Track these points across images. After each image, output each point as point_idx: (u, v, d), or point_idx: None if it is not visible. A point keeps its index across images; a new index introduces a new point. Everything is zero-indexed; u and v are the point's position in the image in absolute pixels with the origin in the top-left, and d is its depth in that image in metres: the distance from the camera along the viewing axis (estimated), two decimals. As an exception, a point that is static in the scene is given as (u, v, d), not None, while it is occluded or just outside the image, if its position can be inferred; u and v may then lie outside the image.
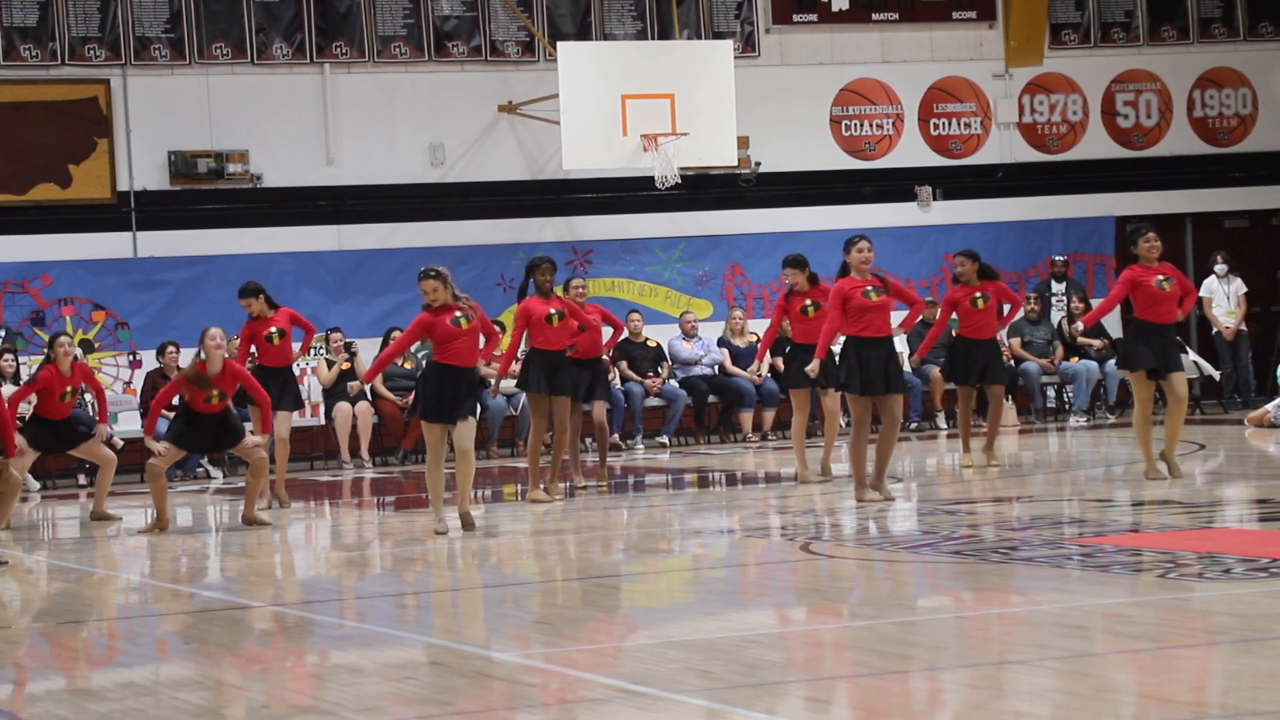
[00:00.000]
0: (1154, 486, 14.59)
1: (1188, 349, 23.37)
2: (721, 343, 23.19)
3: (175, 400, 15.93)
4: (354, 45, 22.89)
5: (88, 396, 19.16)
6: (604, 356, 17.43)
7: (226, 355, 15.05)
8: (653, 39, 23.39)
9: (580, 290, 16.99)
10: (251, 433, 15.51)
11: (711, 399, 22.96)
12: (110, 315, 22.12)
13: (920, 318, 16.64)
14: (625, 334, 19.24)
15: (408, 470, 21.14)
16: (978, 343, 16.77)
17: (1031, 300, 23.60)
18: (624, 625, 9.63)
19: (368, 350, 22.31)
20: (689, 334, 23.10)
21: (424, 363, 22.29)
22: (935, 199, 24.82)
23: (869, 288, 14.28)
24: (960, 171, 24.97)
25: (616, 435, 21.80)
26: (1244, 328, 23.93)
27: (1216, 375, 23.40)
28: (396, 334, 22.11)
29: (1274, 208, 25.96)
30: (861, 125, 24.70)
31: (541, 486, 15.90)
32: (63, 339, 16.44)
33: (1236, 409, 22.92)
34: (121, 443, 21.03)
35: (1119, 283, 15.08)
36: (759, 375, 22.81)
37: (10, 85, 21.88)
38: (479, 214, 23.27)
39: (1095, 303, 24.29)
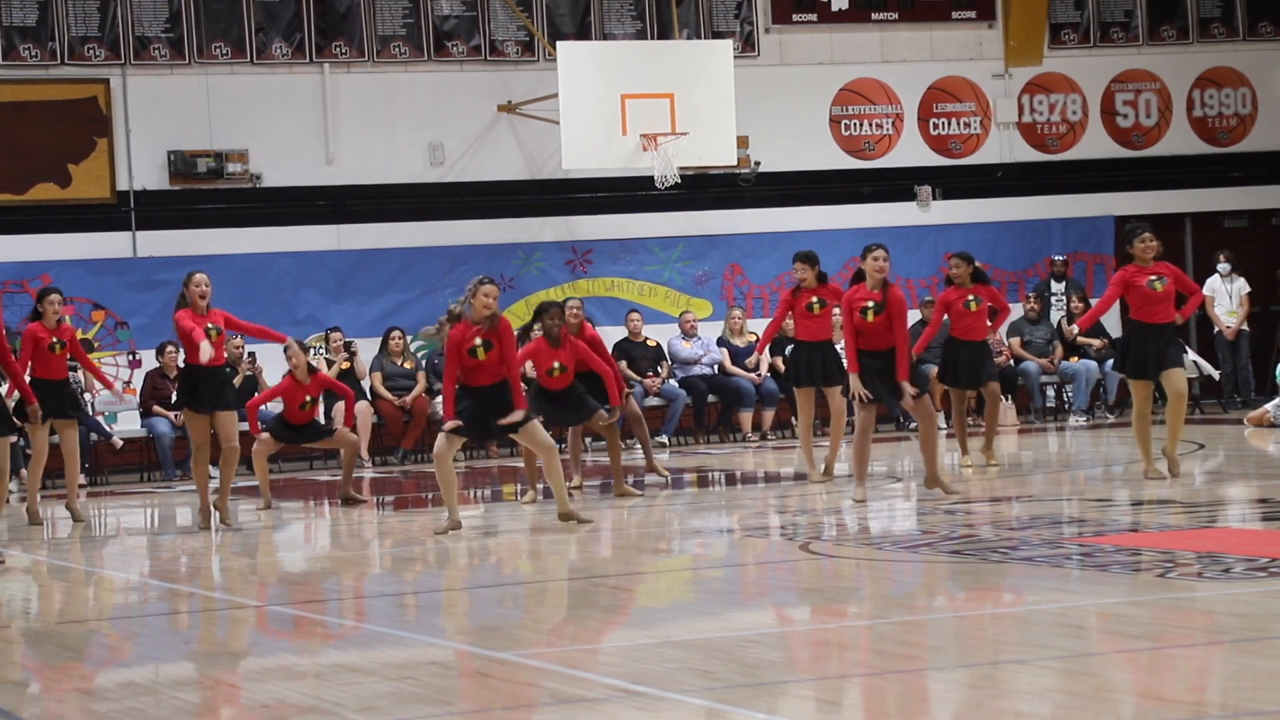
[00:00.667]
0: (1154, 486, 14.59)
1: (1187, 349, 23.37)
2: (721, 342, 23.20)
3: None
4: (353, 45, 22.89)
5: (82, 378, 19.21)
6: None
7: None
8: (652, 39, 23.39)
9: (575, 312, 16.26)
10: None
11: (711, 399, 22.97)
12: (110, 315, 22.12)
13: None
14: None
15: (407, 470, 21.14)
16: (968, 344, 16.77)
17: (1031, 300, 23.61)
18: (624, 625, 9.63)
19: (367, 350, 22.35)
20: (688, 334, 23.11)
21: (423, 363, 22.37)
22: (935, 199, 24.82)
23: (870, 304, 14.15)
24: (960, 171, 24.97)
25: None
26: (1245, 328, 23.93)
27: (1216, 375, 23.41)
28: (396, 334, 22.14)
29: (1273, 207, 25.96)
30: (861, 125, 24.70)
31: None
32: (54, 296, 16.09)
33: (1236, 409, 22.91)
34: (121, 443, 21.09)
35: (1111, 284, 15.12)
36: (759, 375, 22.81)
37: (10, 85, 21.88)
38: (478, 214, 23.27)
39: (1094, 303, 24.36)
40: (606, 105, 21.50)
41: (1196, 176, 25.58)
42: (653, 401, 22.53)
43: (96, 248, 22.16)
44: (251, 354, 21.54)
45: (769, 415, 22.95)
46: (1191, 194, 25.55)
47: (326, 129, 22.85)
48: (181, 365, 15.69)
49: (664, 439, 22.46)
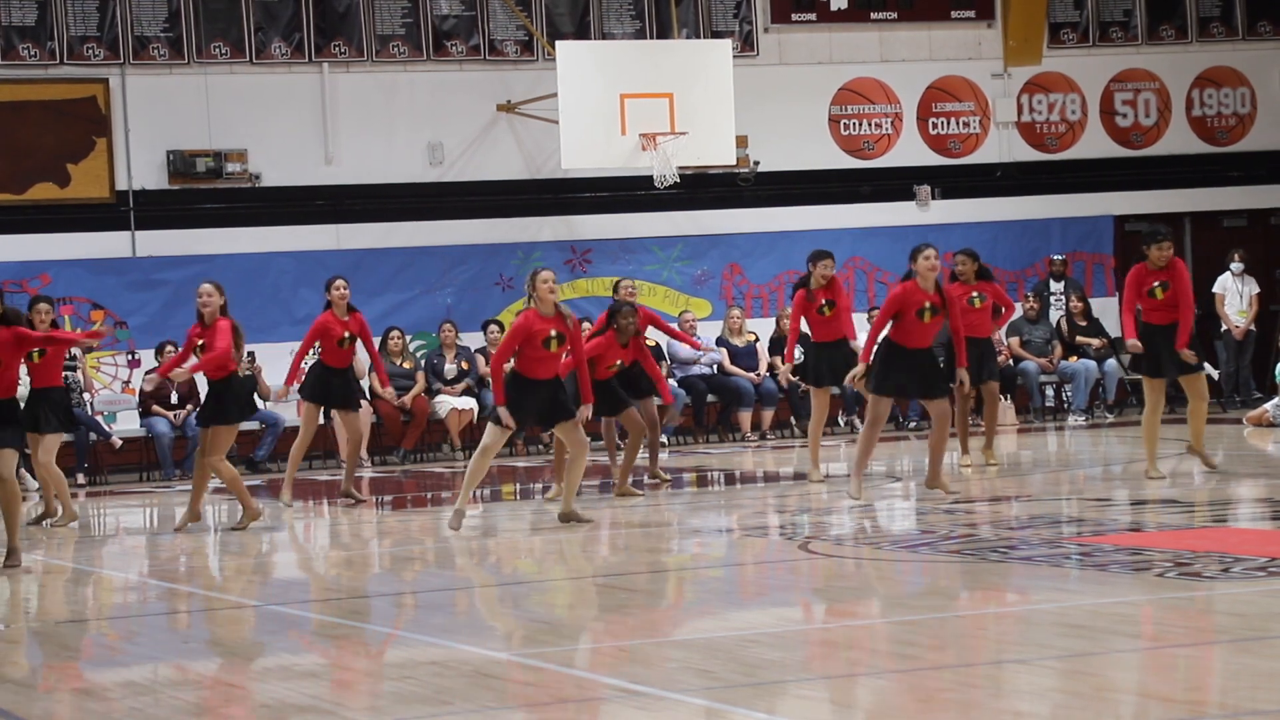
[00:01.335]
0: (1154, 486, 14.60)
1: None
2: (720, 342, 23.19)
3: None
4: (352, 45, 22.88)
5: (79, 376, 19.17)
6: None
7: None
8: (651, 38, 23.39)
9: (630, 290, 17.60)
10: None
11: (710, 398, 22.96)
12: (109, 315, 22.10)
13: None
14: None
15: (407, 470, 21.13)
16: (973, 341, 16.76)
17: (1030, 299, 23.60)
18: (624, 625, 9.63)
19: (366, 350, 22.31)
20: (687, 333, 23.07)
21: (422, 363, 22.36)
22: (934, 198, 24.82)
23: (926, 306, 14.19)
24: (959, 171, 24.97)
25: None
26: (1253, 328, 23.89)
27: (1215, 375, 23.39)
28: (395, 333, 22.12)
29: (1273, 207, 25.95)
30: (860, 124, 24.70)
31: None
32: (41, 305, 15.93)
33: (1236, 408, 22.91)
34: (120, 442, 21.08)
35: (1125, 287, 15.15)
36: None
37: (9, 85, 21.88)
38: (477, 213, 23.27)
39: (1093, 303, 24.36)
40: (605, 105, 21.50)
41: (1196, 176, 25.58)
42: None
43: (95, 247, 22.15)
44: (251, 353, 21.52)
45: (768, 415, 22.95)
46: (1191, 194, 25.54)
47: (325, 129, 22.84)
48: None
49: (663, 439, 22.43)
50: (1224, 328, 23.90)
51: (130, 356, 22.19)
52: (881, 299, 15.94)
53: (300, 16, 22.68)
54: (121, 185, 22.21)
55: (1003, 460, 17.81)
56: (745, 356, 22.99)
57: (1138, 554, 10.86)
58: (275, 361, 20.51)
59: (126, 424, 21.53)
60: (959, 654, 8.26)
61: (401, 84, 23.11)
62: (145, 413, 21.22)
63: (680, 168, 21.74)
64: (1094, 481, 16.12)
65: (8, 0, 21.85)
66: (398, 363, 22.00)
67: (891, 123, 24.78)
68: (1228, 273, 23.82)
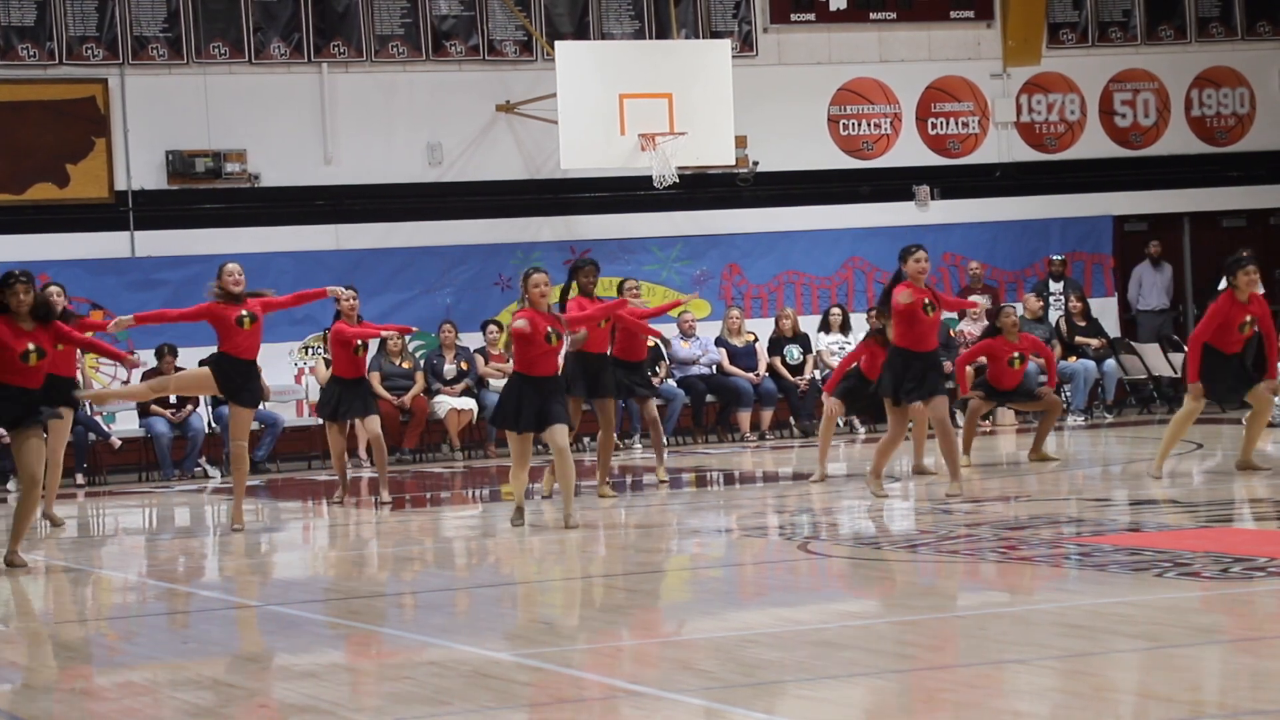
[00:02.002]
0: (1154, 486, 14.63)
1: (1185, 347, 23.35)
2: (719, 342, 23.19)
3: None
4: (352, 45, 22.89)
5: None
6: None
7: None
8: (651, 38, 23.39)
9: (634, 291, 17.69)
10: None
11: (709, 399, 22.96)
12: (108, 315, 22.07)
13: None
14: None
15: (406, 469, 21.12)
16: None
17: (1030, 300, 23.59)
18: (623, 625, 9.63)
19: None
20: (686, 333, 23.09)
21: (421, 363, 22.36)
22: (933, 198, 24.82)
23: (927, 301, 14.35)
24: (958, 171, 24.97)
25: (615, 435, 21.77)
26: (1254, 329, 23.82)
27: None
28: (394, 333, 22.10)
29: (1272, 207, 25.96)
30: (859, 125, 24.70)
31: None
32: (52, 289, 15.83)
33: (1235, 409, 22.88)
34: (119, 442, 21.08)
35: (1208, 320, 15.04)
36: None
37: (8, 85, 21.88)
38: (477, 213, 23.27)
39: (1093, 303, 24.36)
40: (605, 105, 21.50)
41: (1195, 176, 25.58)
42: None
43: (95, 247, 22.14)
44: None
45: (767, 415, 22.95)
46: (1190, 194, 25.55)
47: (325, 129, 22.85)
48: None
49: (662, 439, 22.42)
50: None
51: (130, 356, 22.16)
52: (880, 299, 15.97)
53: (299, 17, 22.68)
54: (121, 185, 22.21)
55: (1002, 460, 17.80)
56: (744, 356, 22.99)
57: (1137, 554, 10.86)
58: (275, 362, 20.54)
59: (126, 424, 21.53)
60: (959, 654, 8.26)
61: (401, 84, 23.11)
62: (144, 413, 21.22)
63: (679, 168, 21.75)
64: (1093, 481, 16.12)
65: (7, 0, 21.85)
66: (397, 363, 22.00)
67: (891, 123, 24.78)
68: (1229, 273, 23.80)
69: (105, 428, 21.17)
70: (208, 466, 21.18)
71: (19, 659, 9.41)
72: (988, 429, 22.45)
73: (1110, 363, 23.49)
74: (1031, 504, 14.05)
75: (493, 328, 22.41)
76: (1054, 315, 23.87)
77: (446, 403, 21.95)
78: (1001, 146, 25.11)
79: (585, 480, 17.11)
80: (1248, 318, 15.00)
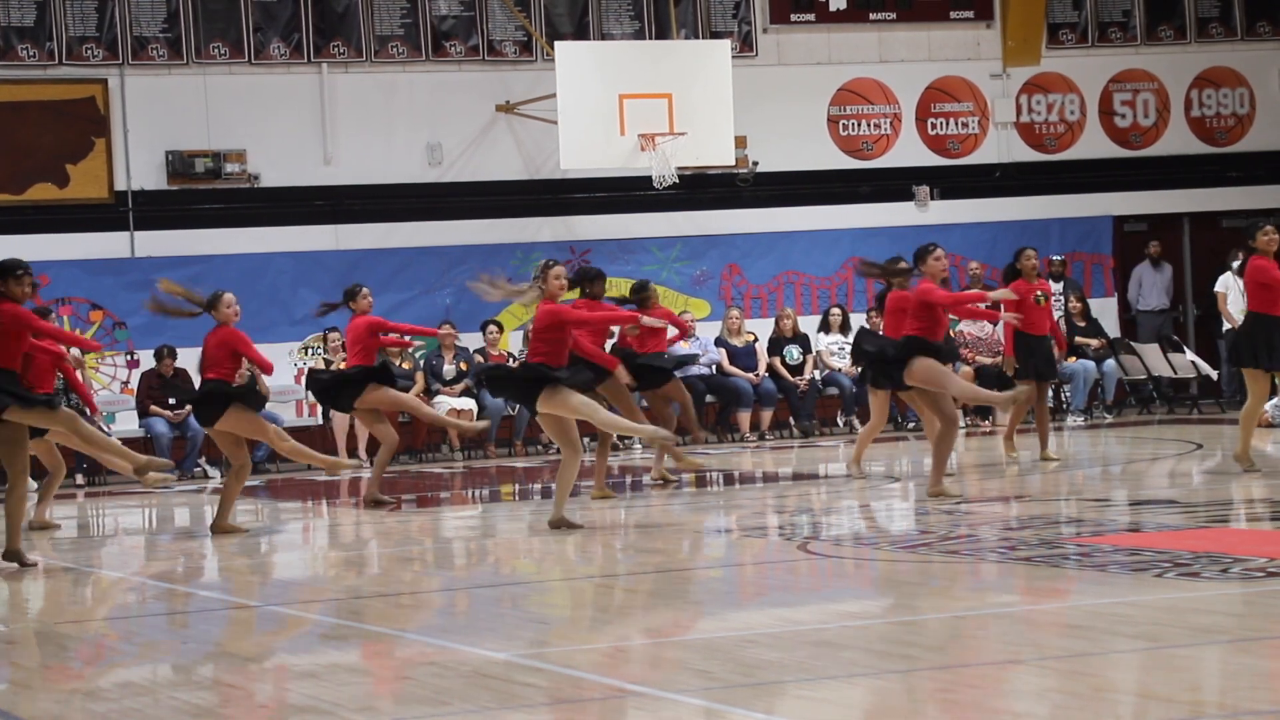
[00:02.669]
0: (1249, 476, 14.63)
1: (1185, 348, 23.37)
2: (719, 342, 23.19)
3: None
4: (351, 45, 22.89)
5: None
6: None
7: None
8: (650, 39, 23.39)
9: (653, 301, 17.46)
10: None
11: (709, 399, 22.96)
12: (108, 315, 22.11)
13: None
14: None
15: (406, 469, 21.12)
16: (1040, 339, 17.22)
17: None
18: (623, 625, 9.63)
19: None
20: (686, 334, 23.06)
21: (421, 363, 22.36)
22: (933, 199, 24.83)
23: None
24: (958, 171, 24.97)
25: (615, 435, 21.77)
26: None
27: (1215, 375, 23.39)
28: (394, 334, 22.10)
29: (1272, 207, 25.92)
30: (859, 125, 24.70)
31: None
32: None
33: (1235, 409, 22.89)
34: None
35: (1252, 275, 15.00)
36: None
37: (8, 85, 21.88)
38: (476, 214, 23.27)
39: (1092, 303, 24.36)
40: (605, 105, 21.50)
41: (1195, 176, 25.58)
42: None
43: (94, 248, 22.15)
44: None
45: (767, 415, 22.95)
46: (1190, 194, 25.55)
47: (324, 129, 22.85)
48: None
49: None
50: (1226, 326, 23.88)
51: (129, 357, 22.19)
52: (882, 300, 15.94)
53: (299, 17, 22.68)
54: (120, 186, 22.21)
55: (1001, 460, 17.80)
56: (744, 357, 22.99)
57: (1136, 554, 10.86)
58: (274, 362, 20.46)
59: (125, 424, 21.53)
60: (958, 654, 8.26)
61: (400, 84, 23.11)
62: (143, 413, 21.22)
63: (679, 168, 21.75)
64: (1093, 481, 16.12)
65: (6, 0, 21.85)
66: (397, 363, 21.98)
67: (890, 123, 24.78)
68: (1229, 272, 23.79)
69: (105, 428, 21.16)
70: (207, 467, 21.18)
71: (19, 659, 9.41)
72: (987, 429, 22.46)
73: (1110, 363, 23.48)
74: (1031, 504, 14.05)
75: (492, 328, 22.40)
76: (1054, 315, 23.85)
77: (446, 403, 21.94)
78: (1001, 147, 25.11)
79: (584, 480, 17.12)
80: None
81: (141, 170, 22.29)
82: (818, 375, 23.15)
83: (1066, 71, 25.31)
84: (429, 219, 23.12)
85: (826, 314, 23.68)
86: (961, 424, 22.49)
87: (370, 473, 16.72)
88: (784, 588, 10.87)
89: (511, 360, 22.41)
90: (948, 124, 24.95)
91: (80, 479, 20.35)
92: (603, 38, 23.36)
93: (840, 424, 23.16)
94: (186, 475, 20.95)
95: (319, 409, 22.06)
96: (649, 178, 21.83)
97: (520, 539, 13.87)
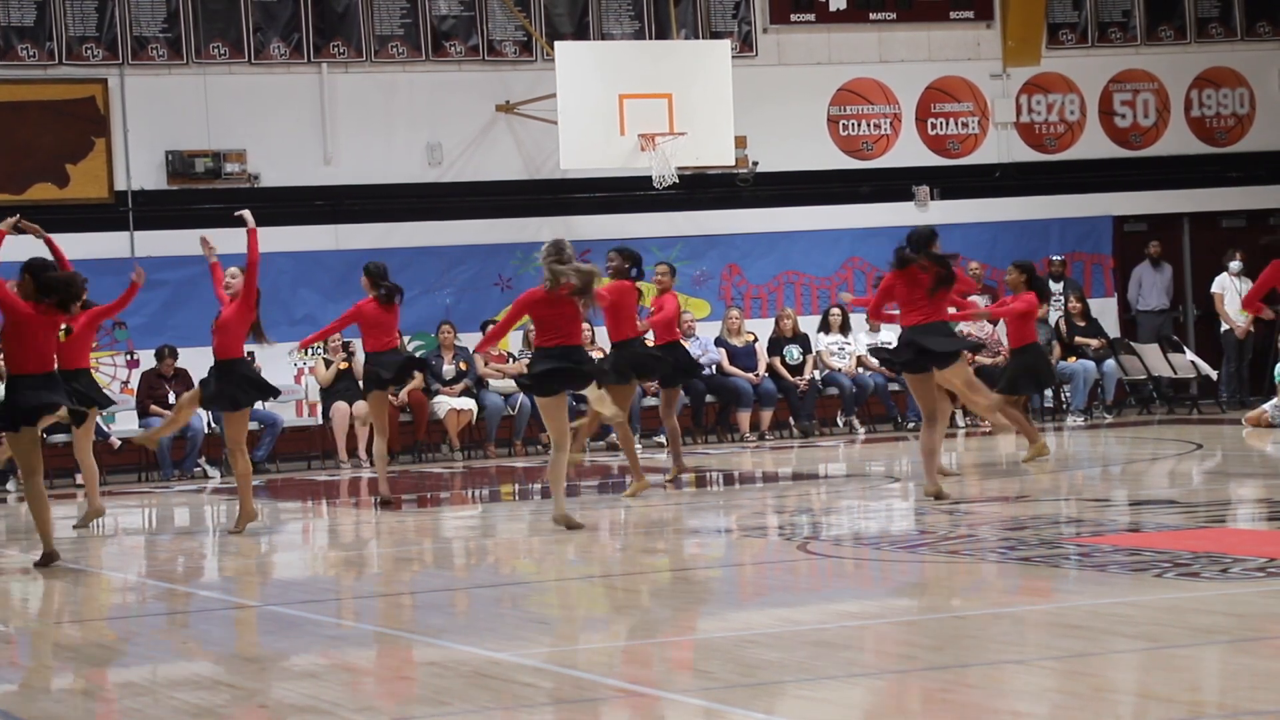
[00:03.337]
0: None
1: (1185, 348, 23.38)
2: (719, 342, 23.19)
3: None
4: (351, 45, 22.88)
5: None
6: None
7: None
8: (650, 39, 23.39)
9: (663, 280, 17.55)
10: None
11: (709, 399, 22.96)
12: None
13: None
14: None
15: (405, 469, 21.12)
16: (1032, 347, 17.33)
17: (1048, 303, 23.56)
18: (622, 625, 9.63)
19: (365, 350, 22.30)
20: (686, 334, 23.08)
21: (431, 361, 22.33)
22: (933, 199, 24.82)
23: None
24: (958, 171, 24.97)
25: (614, 435, 21.78)
26: (1253, 329, 23.88)
27: (1214, 375, 23.39)
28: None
29: (1272, 207, 25.96)
30: (859, 125, 24.70)
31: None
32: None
33: (1235, 409, 22.91)
34: (119, 442, 21.07)
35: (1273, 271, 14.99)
36: (758, 376, 22.76)
37: (7, 85, 21.88)
38: (476, 214, 23.27)
39: (1092, 303, 24.37)
40: (604, 105, 21.50)
41: (1194, 176, 25.58)
42: (650, 401, 22.51)
43: (94, 248, 22.09)
44: (250, 354, 21.50)
45: (766, 415, 22.95)
46: (1190, 194, 25.55)
47: (324, 129, 22.84)
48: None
49: (662, 439, 22.43)
50: (1224, 327, 23.90)
51: (129, 357, 22.19)
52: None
53: (299, 17, 22.68)
54: (120, 185, 22.21)
55: (1001, 460, 17.80)
56: (744, 357, 22.99)
57: (1136, 554, 10.86)
58: (274, 361, 20.51)
59: (125, 425, 21.52)
60: (958, 654, 8.26)
61: (400, 84, 23.11)
62: (143, 413, 21.22)
63: (679, 168, 21.75)
64: (1093, 482, 16.12)
65: (6, 0, 21.85)
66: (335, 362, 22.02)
67: (890, 123, 24.78)
68: (1225, 273, 23.81)
69: (105, 428, 21.15)
70: (207, 466, 21.18)
71: (19, 659, 9.41)
72: (986, 429, 22.46)
73: (1110, 363, 23.48)
74: (1031, 504, 14.05)
75: (492, 328, 22.38)
76: (1054, 316, 23.87)
77: (446, 403, 21.94)
78: (1001, 147, 25.11)
79: (584, 480, 17.13)
80: None
81: (141, 170, 22.29)
82: (818, 375, 23.15)
83: (1066, 71, 25.31)
84: (429, 219, 23.12)
85: (826, 314, 23.68)
86: (961, 424, 22.53)
87: (375, 472, 16.77)
88: (784, 588, 10.87)
89: (512, 360, 22.44)
90: (948, 124, 24.95)
91: (79, 479, 20.32)
92: (603, 38, 23.36)
93: (840, 424, 23.16)
94: (186, 475, 20.94)
95: (319, 409, 22.08)
96: (649, 178, 21.83)
97: (520, 539, 13.87)
